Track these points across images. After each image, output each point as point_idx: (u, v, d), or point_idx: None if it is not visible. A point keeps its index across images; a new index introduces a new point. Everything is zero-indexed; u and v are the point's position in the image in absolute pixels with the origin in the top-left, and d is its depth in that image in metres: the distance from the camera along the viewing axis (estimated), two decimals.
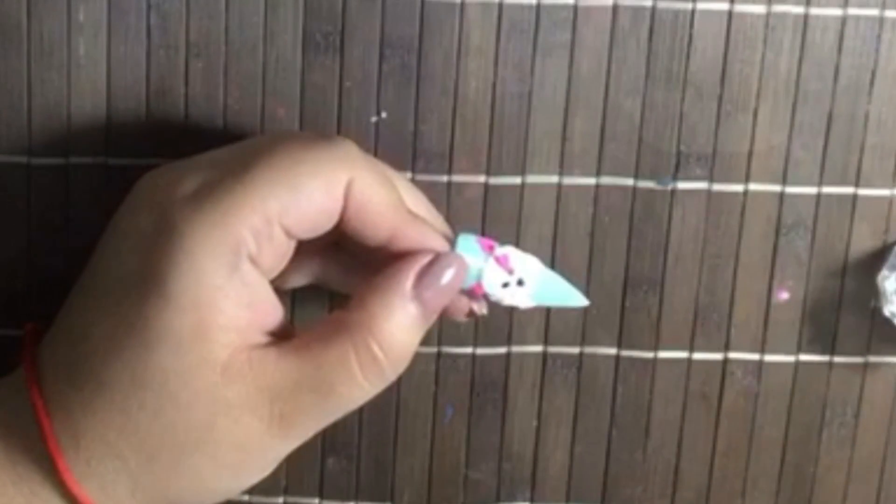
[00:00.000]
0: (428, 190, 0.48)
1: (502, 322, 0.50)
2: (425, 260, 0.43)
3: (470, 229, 0.47)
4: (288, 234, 0.42)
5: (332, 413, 0.43)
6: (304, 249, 0.44)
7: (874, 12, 0.48)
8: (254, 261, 0.41)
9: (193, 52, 0.47)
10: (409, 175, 0.48)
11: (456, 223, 0.48)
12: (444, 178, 0.48)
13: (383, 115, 0.48)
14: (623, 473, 0.51)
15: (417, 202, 0.46)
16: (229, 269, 0.41)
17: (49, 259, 0.48)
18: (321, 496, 0.50)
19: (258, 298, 0.42)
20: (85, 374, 0.42)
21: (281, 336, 0.43)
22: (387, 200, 0.43)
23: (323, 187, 0.41)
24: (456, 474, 0.51)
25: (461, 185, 0.49)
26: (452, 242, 0.44)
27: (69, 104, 0.47)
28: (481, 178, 0.49)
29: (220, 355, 0.41)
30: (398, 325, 0.42)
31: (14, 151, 0.47)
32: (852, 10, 0.48)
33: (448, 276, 0.43)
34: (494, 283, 0.44)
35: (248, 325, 0.42)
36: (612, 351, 0.50)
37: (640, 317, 0.50)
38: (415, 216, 0.44)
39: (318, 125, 0.48)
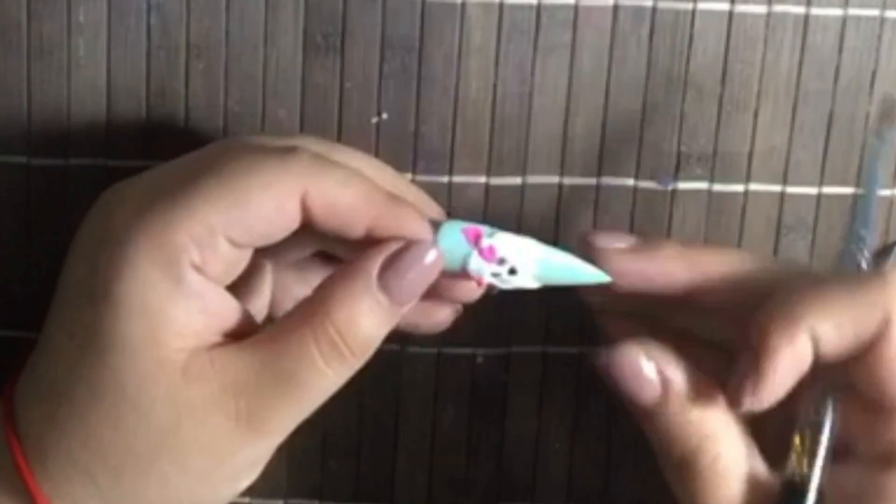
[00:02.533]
0: (429, 190, 0.48)
1: (502, 322, 0.50)
2: (394, 248, 0.41)
3: (463, 218, 0.47)
4: (234, 244, 0.41)
5: (299, 404, 0.41)
6: (293, 274, 0.45)
7: (875, 12, 0.48)
8: (199, 269, 0.41)
9: (194, 53, 0.47)
10: (409, 176, 0.48)
11: None
12: (445, 179, 0.48)
13: (384, 115, 0.48)
14: (623, 474, 0.51)
15: (385, 178, 0.44)
16: (173, 279, 0.40)
17: (49, 259, 0.48)
18: (321, 498, 0.51)
19: (211, 304, 0.41)
20: (46, 386, 0.42)
21: (244, 334, 0.42)
22: (354, 197, 0.41)
23: (272, 201, 0.41)
24: (456, 474, 0.51)
25: (462, 186, 0.49)
26: (437, 228, 0.42)
27: (69, 105, 0.47)
28: (482, 179, 0.49)
29: (178, 358, 0.40)
30: (360, 311, 0.41)
31: (14, 151, 0.47)
32: (853, 11, 0.48)
33: (416, 266, 0.41)
34: (482, 273, 0.43)
35: (204, 328, 0.41)
36: None
37: None
38: (395, 201, 0.42)
39: (319, 126, 0.48)
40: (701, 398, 0.44)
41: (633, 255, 0.45)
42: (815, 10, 0.48)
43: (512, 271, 0.43)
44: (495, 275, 0.43)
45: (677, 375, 0.44)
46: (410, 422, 0.50)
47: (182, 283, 0.40)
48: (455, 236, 0.43)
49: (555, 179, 0.49)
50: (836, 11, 0.48)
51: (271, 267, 0.46)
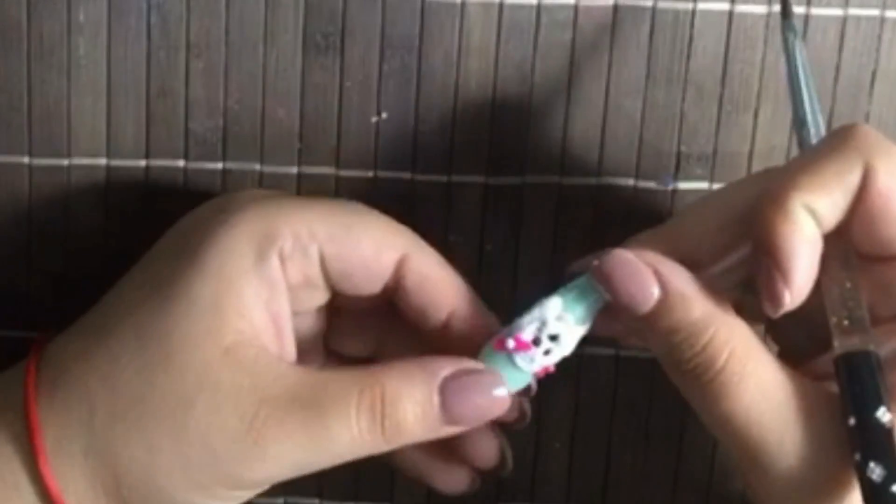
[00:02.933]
0: (428, 190, 0.48)
1: (502, 322, 0.50)
2: (471, 365, 0.42)
3: (464, 217, 0.48)
4: (322, 263, 0.42)
5: (312, 445, 0.41)
6: (365, 320, 0.45)
7: (875, 12, 0.48)
8: (282, 261, 0.42)
9: (194, 52, 0.47)
10: (409, 175, 0.48)
11: (457, 223, 0.48)
12: (445, 179, 0.48)
13: (383, 115, 0.48)
14: (623, 475, 0.51)
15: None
16: (257, 255, 0.42)
17: (49, 259, 0.48)
18: (321, 497, 0.50)
19: (275, 302, 0.42)
20: (94, 323, 0.43)
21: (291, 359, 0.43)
22: (446, 278, 0.44)
23: (372, 243, 0.43)
24: None
25: (461, 186, 0.49)
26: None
27: (69, 104, 0.47)
28: (482, 179, 0.49)
29: (229, 336, 0.41)
30: (410, 395, 0.41)
31: (14, 151, 0.47)
32: (853, 11, 0.48)
33: (480, 389, 0.42)
34: (535, 363, 0.42)
35: (261, 323, 0.42)
36: (612, 351, 0.50)
37: None
38: (477, 298, 0.44)
39: (319, 125, 0.48)
40: (703, 297, 0.41)
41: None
42: (815, 10, 0.48)
43: (553, 338, 0.42)
44: (547, 353, 0.42)
45: (674, 273, 0.42)
46: None
47: (263, 264, 0.42)
48: (492, 356, 0.42)
49: (554, 179, 0.49)
50: (836, 11, 0.48)
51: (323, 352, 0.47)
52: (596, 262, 0.42)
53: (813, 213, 0.40)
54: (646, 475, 0.51)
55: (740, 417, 0.41)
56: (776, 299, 0.40)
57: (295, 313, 0.44)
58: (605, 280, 0.42)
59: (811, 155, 0.42)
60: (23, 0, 0.46)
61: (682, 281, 0.42)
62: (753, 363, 0.41)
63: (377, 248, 0.43)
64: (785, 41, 0.44)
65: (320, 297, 0.44)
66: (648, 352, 0.49)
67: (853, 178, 0.40)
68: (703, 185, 0.49)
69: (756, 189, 0.42)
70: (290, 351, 0.43)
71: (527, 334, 0.42)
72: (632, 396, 0.51)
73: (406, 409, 0.41)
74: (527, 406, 0.46)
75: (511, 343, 0.42)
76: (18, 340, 0.49)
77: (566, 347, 0.42)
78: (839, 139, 0.41)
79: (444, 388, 0.41)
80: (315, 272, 0.43)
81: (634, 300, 0.41)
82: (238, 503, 0.43)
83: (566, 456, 0.51)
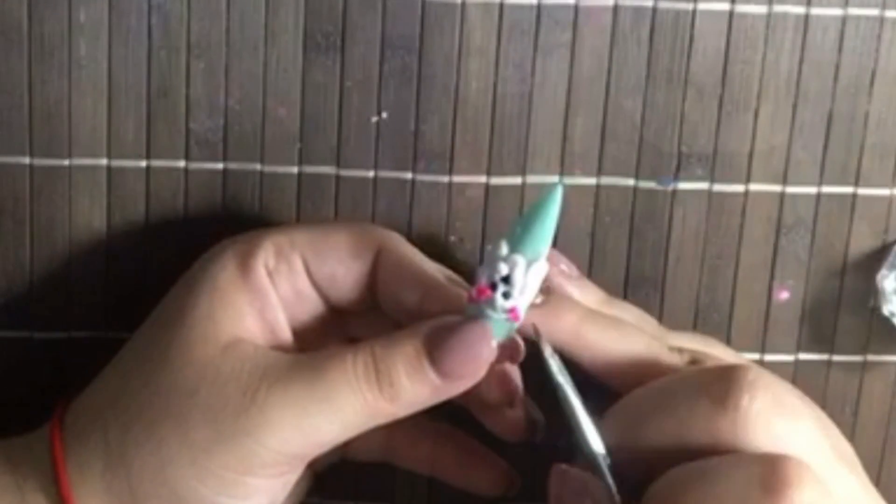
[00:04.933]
0: (428, 190, 0.48)
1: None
2: (448, 319, 0.42)
3: (463, 218, 0.48)
4: (308, 271, 0.44)
5: (319, 411, 0.41)
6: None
7: (875, 12, 0.48)
8: (269, 274, 0.44)
9: (194, 52, 0.47)
10: (409, 175, 0.48)
11: (457, 223, 0.48)
12: (445, 179, 0.48)
13: (384, 115, 0.48)
14: None
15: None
16: (244, 268, 0.44)
17: (49, 260, 0.48)
18: (322, 496, 0.50)
19: (267, 311, 0.44)
20: (109, 366, 0.45)
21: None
22: (418, 261, 0.44)
23: (351, 242, 0.44)
24: None
25: (462, 186, 0.49)
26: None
27: (70, 104, 0.47)
28: (482, 179, 0.49)
29: (223, 337, 0.42)
30: (399, 352, 0.42)
31: (14, 152, 0.47)
32: (853, 10, 0.48)
33: (464, 335, 0.42)
34: (498, 306, 0.42)
35: (258, 330, 0.43)
36: None
37: None
38: (445, 277, 0.45)
39: (319, 125, 0.48)
40: None
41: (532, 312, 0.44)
42: (815, 10, 0.48)
43: (505, 279, 0.41)
44: (506, 295, 0.42)
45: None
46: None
47: (249, 275, 0.44)
48: (467, 310, 0.42)
49: (555, 179, 0.49)
50: (836, 11, 0.48)
51: None
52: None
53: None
54: None
55: None
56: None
57: (297, 331, 0.45)
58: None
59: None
60: (23, 0, 0.46)
61: None
62: None
63: (353, 248, 0.44)
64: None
65: (313, 307, 0.45)
66: None
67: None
68: (703, 185, 0.49)
69: None
70: (289, 340, 0.45)
71: (483, 281, 0.42)
72: None
73: (397, 365, 0.42)
74: (538, 415, 0.46)
75: (473, 293, 0.42)
76: (18, 340, 0.49)
77: (524, 287, 0.42)
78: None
79: (430, 342, 0.42)
80: (304, 282, 0.44)
81: None
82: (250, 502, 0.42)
83: (566, 456, 0.51)
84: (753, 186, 0.49)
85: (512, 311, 0.42)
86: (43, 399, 0.49)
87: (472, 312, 0.42)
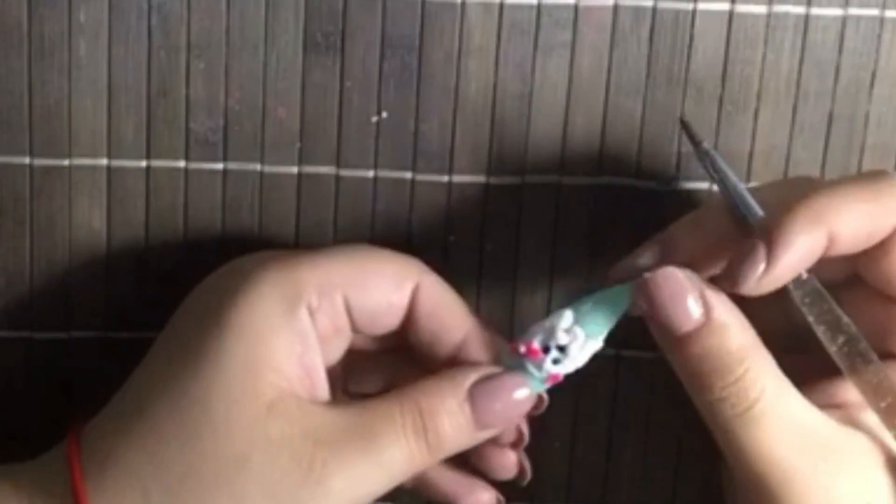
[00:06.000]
0: (428, 190, 0.48)
1: (502, 321, 0.50)
2: (491, 370, 0.43)
3: (463, 217, 0.48)
4: (348, 309, 0.43)
5: (372, 472, 0.41)
6: (379, 357, 0.46)
7: (875, 12, 0.48)
8: (311, 314, 0.42)
9: (194, 52, 0.47)
10: (409, 175, 0.48)
11: (457, 223, 0.49)
12: (445, 179, 0.48)
13: (384, 115, 0.48)
14: (623, 474, 0.51)
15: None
16: (287, 309, 0.42)
17: (49, 260, 0.48)
18: None
19: (308, 355, 0.42)
20: (130, 404, 0.43)
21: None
22: (456, 303, 0.44)
23: (390, 279, 0.44)
24: None
25: (462, 185, 0.49)
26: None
27: (70, 104, 0.47)
28: (482, 179, 0.49)
29: (268, 392, 0.41)
30: (444, 408, 0.42)
31: (14, 151, 0.47)
32: (853, 10, 0.48)
33: (506, 392, 0.43)
34: (545, 369, 0.43)
35: (296, 377, 0.42)
36: (612, 351, 0.50)
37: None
38: (481, 323, 0.45)
39: (319, 125, 0.48)
40: (743, 329, 0.42)
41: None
42: (815, 10, 0.48)
43: (561, 349, 0.43)
44: (556, 361, 0.43)
45: (719, 301, 0.42)
46: None
47: (294, 319, 0.42)
48: (507, 360, 0.44)
49: (555, 179, 0.49)
50: (836, 11, 0.48)
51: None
52: (647, 276, 0.42)
53: (832, 236, 0.40)
54: (646, 475, 0.51)
55: (765, 455, 0.41)
56: (744, 275, 0.40)
57: (327, 368, 0.44)
58: (647, 293, 0.42)
59: (858, 188, 0.42)
60: (23, 0, 0.46)
61: (726, 310, 0.42)
62: (786, 403, 0.41)
63: (395, 282, 0.44)
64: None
65: (345, 341, 0.45)
66: (649, 352, 0.50)
67: (885, 227, 0.41)
68: (703, 185, 0.49)
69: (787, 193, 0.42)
70: (325, 400, 0.44)
71: (536, 342, 0.43)
72: (632, 396, 0.51)
73: (443, 418, 0.42)
74: (527, 464, 0.47)
75: (522, 348, 0.43)
76: (18, 340, 0.49)
77: (575, 359, 0.43)
78: (889, 185, 0.41)
79: (473, 395, 0.43)
80: (343, 320, 0.44)
81: (674, 319, 0.41)
82: None
83: (566, 456, 0.51)
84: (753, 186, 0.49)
85: (555, 377, 0.43)
86: (43, 399, 0.49)
87: (511, 364, 0.43)
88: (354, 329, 0.44)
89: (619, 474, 0.51)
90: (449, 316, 0.44)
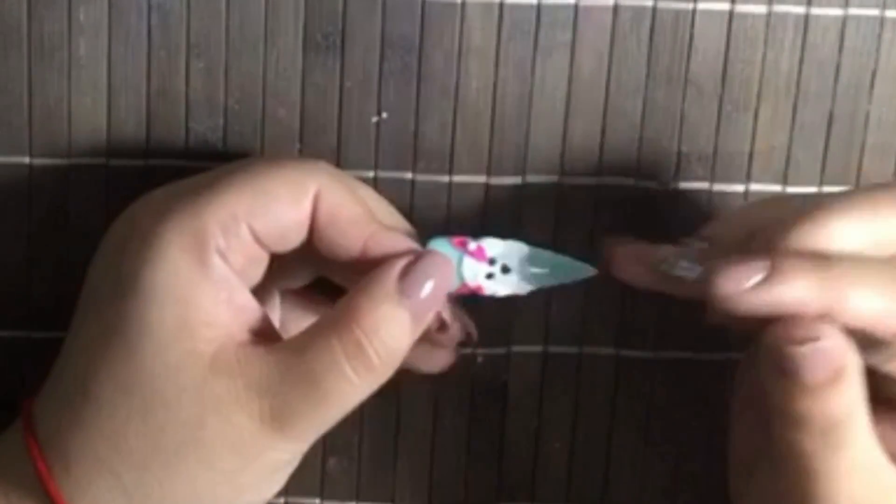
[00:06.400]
0: (428, 190, 0.48)
1: (502, 322, 0.50)
2: (407, 259, 0.42)
3: (463, 218, 0.48)
4: (255, 236, 0.42)
5: (324, 410, 0.42)
6: (299, 303, 0.46)
7: (875, 12, 0.48)
8: (223, 256, 0.41)
9: (194, 52, 0.47)
10: (409, 175, 0.48)
11: (457, 223, 0.49)
12: (445, 179, 0.48)
13: (384, 115, 0.48)
14: (623, 474, 0.51)
15: (383, 211, 0.46)
16: (200, 264, 0.41)
17: (49, 260, 0.48)
18: (322, 496, 0.51)
19: (235, 296, 0.42)
20: (72, 387, 0.42)
21: (267, 337, 0.43)
22: (356, 211, 0.43)
23: (290, 194, 0.42)
24: (456, 474, 0.51)
25: (462, 186, 0.49)
26: (423, 246, 0.44)
27: (70, 104, 0.47)
28: (482, 179, 0.49)
29: (206, 350, 0.41)
30: (384, 317, 0.41)
31: (14, 151, 0.47)
32: (853, 10, 0.48)
33: (432, 273, 0.42)
34: (477, 276, 0.44)
35: (230, 321, 0.41)
36: (612, 351, 0.50)
37: (641, 316, 0.50)
38: (384, 225, 0.43)
39: (319, 125, 0.48)
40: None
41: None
42: (815, 10, 0.48)
43: (505, 269, 0.44)
44: (489, 276, 0.44)
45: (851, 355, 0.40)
46: (410, 422, 0.50)
47: (208, 269, 0.41)
48: (444, 247, 0.44)
49: (555, 179, 0.49)
50: (836, 11, 0.48)
51: (278, 294, 0.47)
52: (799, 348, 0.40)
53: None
54: (646, 475, 0.51)
55: (835, 487, 0.41)
56: (720, 281, 0.40)
57: (254, 291, 0.43)
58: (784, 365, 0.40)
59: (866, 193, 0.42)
60: (23, 0, 0.46)
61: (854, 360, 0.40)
62: (866, 439, 0.41)
63: (294, 198, 0.42)
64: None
65: (263, 261, 0.44)
66: (649, 352, 0.50)
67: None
68: (703, 185, 0.49)
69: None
70: (274, 318, 0.45)
71: (491, 250, 0.44)
72: (632, 396, 0.51)
73: (385, 329, 0.41)
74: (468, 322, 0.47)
75: (473, 245, 0.43)
76: (18, 340, 0.49)
77: (500, 287, 0.44)
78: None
79: (404, 290, 0.42)
80: (253, 248, 0.42)
81: (810, 374, 0.40)
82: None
83: (566, 456, 0.51)
84: (753, 186, 0.49)
85: (475, 288, 0.44)
86: None
87: (447, 251, 0.43)
88: (266, 250, 0.43)
89: (619, 474, 0.51)
90: (347, 223, 0.43)
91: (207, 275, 0.41)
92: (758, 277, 0.40)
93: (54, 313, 0.48)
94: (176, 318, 0.41)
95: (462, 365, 0.50)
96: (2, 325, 0.49)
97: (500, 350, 0.50)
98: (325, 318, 0.42)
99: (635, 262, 0.45)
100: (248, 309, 0.42)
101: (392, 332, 0.41)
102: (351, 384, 0.41)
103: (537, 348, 0.50)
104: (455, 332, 0.46)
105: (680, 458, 0.51)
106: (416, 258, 0.42)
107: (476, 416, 0.51)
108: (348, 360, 0.41)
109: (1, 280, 0.48)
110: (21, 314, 0.49)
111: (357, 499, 0.51)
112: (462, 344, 0.47)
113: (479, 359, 0.50)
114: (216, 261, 0.41)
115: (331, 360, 0.41)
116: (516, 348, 0.50)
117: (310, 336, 0.42)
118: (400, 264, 0.42)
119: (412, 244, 0.43)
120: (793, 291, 0.40)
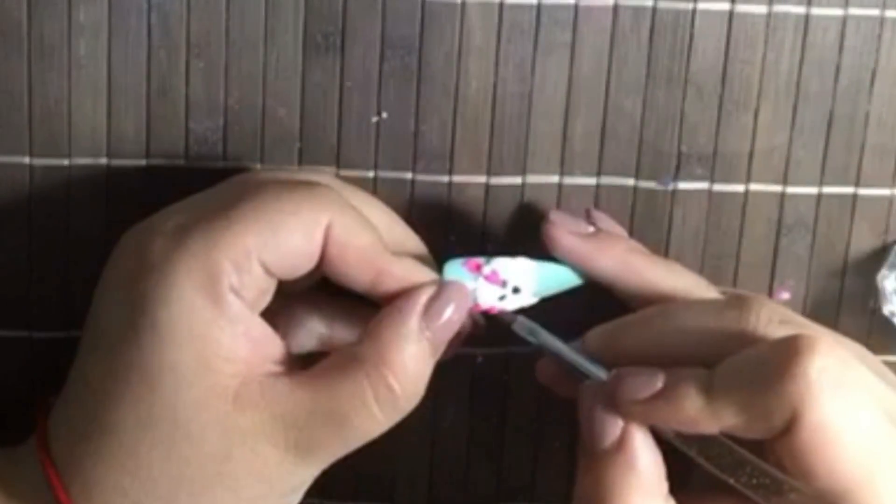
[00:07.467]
0: (428, 190, 0.48)
1: (502, 322, 0.50)
2: (430, 293, 0.43)
3: (463, 218, 0.48)
4: (266, 270, 0.42)
5: (348, 443, 0.43)
6: (303, 305, 0.46)
7: (875, 12, 0.48)
8: (236, 293, 0.41)
9: (194, 52, 0.47)
10: (409, 175, 0.48)
11: (457, 223, 0.49)
12: (445, 179, 0.48)
13: (384, 115, 0.48)
14: None
15: (397, 231, 0.46)
16: (215, 302, 0.41)
17: (49, 259, 0.48)
18: (321, 496, 0.50)
19: (251, 329, 0.42)
20: (90, 421, 0.42)
21: (288, 367, 0.43)
22: (367, 242, 0.43)
23: (302, 227, 0.42)
24: (456, 474, 0.51)
25: (462, 186, 0.49)
26: (440, 271, 0.44)
27: (70, 104, 0.47)
28: (482, 179, 0.49)
29: (230, 384, 0.41)
30: (410, 357, 0.42)
31: (14, 151, 0.47)
32: (853, 10, 0.48)
33: (452, 306, 0.43)
34: (490, 299, 0.45)
35: (249, 355, 0.42)
36: None
37: None
38: (395, 256, 0.43)
39: (319, 125, 0.48)
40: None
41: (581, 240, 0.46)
42: (815, 10, 0.48)
43: (516, 290, 0.45)
44: (502, 297, 0.45)
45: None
46: (410, 422, 0.50)
47: (224, 306, 0.41)
48: (459, 272, 0.44)
49: (554, 179, 0.49)
50: (836, 11, 0.48)
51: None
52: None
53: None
54: None
55: None
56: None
57: (272, 323, 0.44)
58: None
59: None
60: (23, 0, 0.46)
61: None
62: None
63: (306, 231, 0.42)
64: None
65: (272, 288, 0.43)
66: None
67: (776, 420, 0.41)
68: (704, 185, 0.49)
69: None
70: (293, 344, 0.45)
71: (505, 273, 0.45)
72: None
73: (411, 370, 0.42)
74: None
75: (488, 270, 0.44)
76: (18, 340, 0.49)
77: (513, 304, 0.45)
78: (783, 371, 0.40)
79: (426, 328, 0.43)
80: (265, 282, 0.42)
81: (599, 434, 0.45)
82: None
83: (566, 456, 0.51)
84: (753, 186, 0.49)
85: (489, 308, 0.45)
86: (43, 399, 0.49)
87: (464, 277, 0.44)
88: (275, 278, 0.43)
89: None
90: (357, 256, 0.43)
91: (223, 312, 0.41)
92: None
93: (55, 313, 0.48)
94: (195, 356, 0.41)
95: (462, 365, 0.50)
96: (2, 324, 0.49)
97: (500, 350, 0.50)
98: (352, 354, 0.42)
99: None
100: (266, 340, 0.43)
101: (418, 369, 0.43)
102: (377, 422, 0.42)
103: (537, 348, 0.50)
104: (466, 327, 0.46)
105: (679, 458, 0.51)
106: (438, 293, 0.43)
107: (476, 416, 0.51)
108: (378, 401, 0.42)
109: (1, 280, 0.48)
110: (21, 314, 0.49)
111: (356, 499, 0.51)
112: (470, 335, 0.47)
113: (479, 359, 0.50)
114: (230, 298, 0.41)
115: (361, 402, 0.42)
116: (516, 348, 0.50)
117: (338, 371, 0.42)
118: (422, 300, 0.43)
119: (425, 273, 0.44)
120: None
